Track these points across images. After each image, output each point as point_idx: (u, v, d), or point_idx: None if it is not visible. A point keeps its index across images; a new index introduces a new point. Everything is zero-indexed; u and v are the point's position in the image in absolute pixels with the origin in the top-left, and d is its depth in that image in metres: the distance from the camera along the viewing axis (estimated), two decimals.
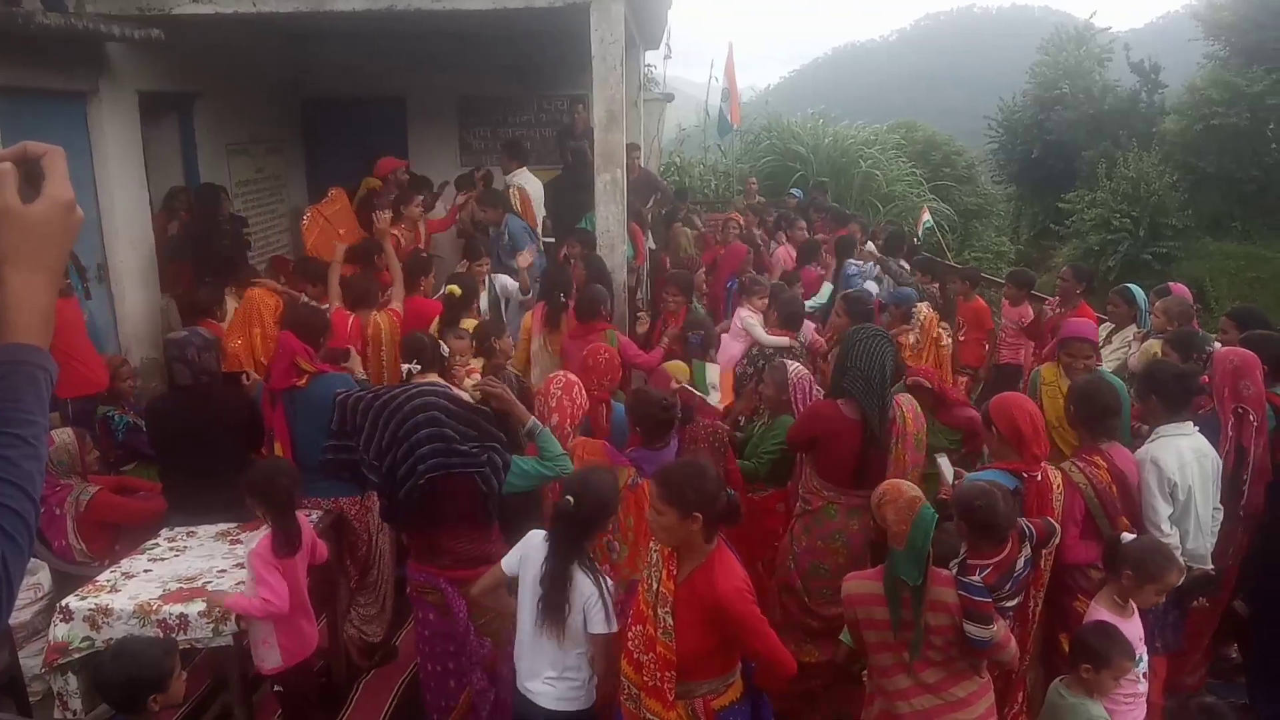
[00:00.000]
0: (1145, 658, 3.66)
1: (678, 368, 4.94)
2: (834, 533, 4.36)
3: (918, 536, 3.22)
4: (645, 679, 3.10)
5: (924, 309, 7.25)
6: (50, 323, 1.30)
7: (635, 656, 3.16)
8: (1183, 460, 4.12)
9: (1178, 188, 21.59)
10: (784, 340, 6.30)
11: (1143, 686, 3.61)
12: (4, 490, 1.17)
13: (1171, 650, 4.38)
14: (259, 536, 3.92)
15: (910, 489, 3.41)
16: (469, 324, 6.00)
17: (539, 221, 8.91)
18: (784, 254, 9.55)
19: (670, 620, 3.05)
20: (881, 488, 3.47)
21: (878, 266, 8.93)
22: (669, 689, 3.05)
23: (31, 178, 1.28)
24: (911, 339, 6.99)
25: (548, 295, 6.50)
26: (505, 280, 7.53)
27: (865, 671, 3.62)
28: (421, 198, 8.70)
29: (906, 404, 4.32)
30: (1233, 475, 4.41)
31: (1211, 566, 4.25)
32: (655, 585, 3.14)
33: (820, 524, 4.39)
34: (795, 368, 5.06)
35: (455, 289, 6.13)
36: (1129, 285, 6.76)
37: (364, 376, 4.99)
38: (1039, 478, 3.91)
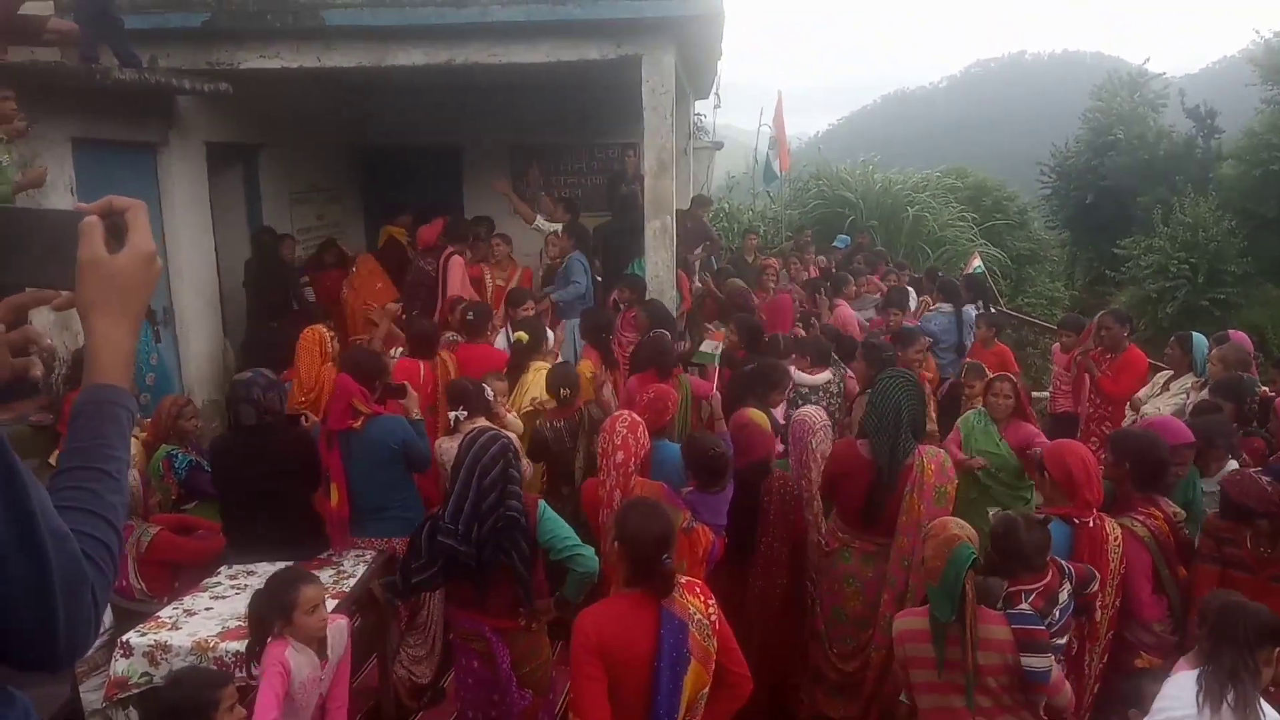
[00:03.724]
0: None
1: (759, 416, 4.92)
2: (847, 576, 4.38)
3: (950, 573, 3.25)
4: None
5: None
6: (131, 365, 1.38)
7: None
8: None
9: (1236, 233, 21.16)
10: (819, 378, 6.52)
11: None
12: (91, 522, 1.24)
13: None
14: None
15: (956, 527, 3.41)
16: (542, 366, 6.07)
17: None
18: (846, 314, 9.26)
19: None
20: (931, 525, 3.50)
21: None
22: None
23: (116, 230, 1.36)
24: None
25: (592, 337, 6.58)
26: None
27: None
28: (497, 238, 8.92)
29: (930, 456, 4.26)
30: None
31: None
32: None
33: (834, 566, 4.44)
34: (801, 411, 5.06)
35: (523, 335, 6.21)
36: (1191, 333, 6.63)
37: (419, 417, 5.05)
38: (1090, 524, 3.87)
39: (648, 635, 2.99)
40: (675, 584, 3.08)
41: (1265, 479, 3.90)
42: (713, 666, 3.10)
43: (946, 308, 9.02)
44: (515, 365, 6.15)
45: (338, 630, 3.68)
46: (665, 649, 2.97)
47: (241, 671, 3.74)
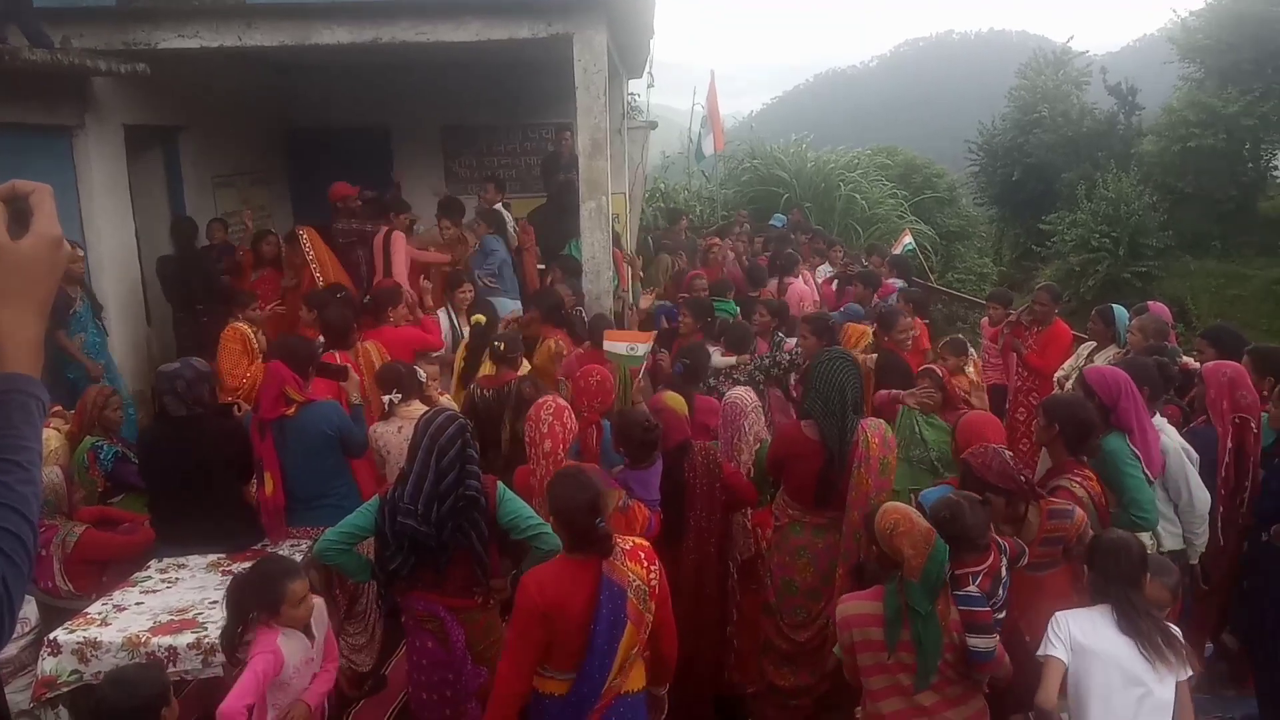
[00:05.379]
0: None
1: (675, 400, 4.92)
2: (799, 548, 4.41)
3: (933, 568, 3.24)
4: None
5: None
6: (39, 353, 1.34)
7: None
8: None
9: (1157, 208, 21.86)
10: (729, 360, 6.45)
11: None
12: (2, 514, 1.21)
13: None
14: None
15: (921, 520, 3.40)
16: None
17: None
18: (799, 290, 9.28)
19: None
20: (891, 518, 3.39)
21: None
22: None
23: (20, 215, 1.32)
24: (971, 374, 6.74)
25: (553, 317, 6.56)
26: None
27: (858, 709, 3.60)
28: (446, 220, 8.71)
29: (872, 429, 4.27)
30: (1235, 486, 4.63)
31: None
32: None
33: (786, 540, 4.47)
34: (733, 393, 5.07)
35: (481, 318, 6.17)
36: (1111, 305, 6.81)
37: (358, 402, 4.98)
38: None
39: (587, 598, 3.14)
40: (615, 547, 3.21)
41: (1008, 454, 3.79)
42: (647, 629, 3.25)
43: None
44: (475, 347, 6.13)
45: (319, 608, 3.67)
46: (603, 614, 3.13)
47: (174, 666, 3.68)
